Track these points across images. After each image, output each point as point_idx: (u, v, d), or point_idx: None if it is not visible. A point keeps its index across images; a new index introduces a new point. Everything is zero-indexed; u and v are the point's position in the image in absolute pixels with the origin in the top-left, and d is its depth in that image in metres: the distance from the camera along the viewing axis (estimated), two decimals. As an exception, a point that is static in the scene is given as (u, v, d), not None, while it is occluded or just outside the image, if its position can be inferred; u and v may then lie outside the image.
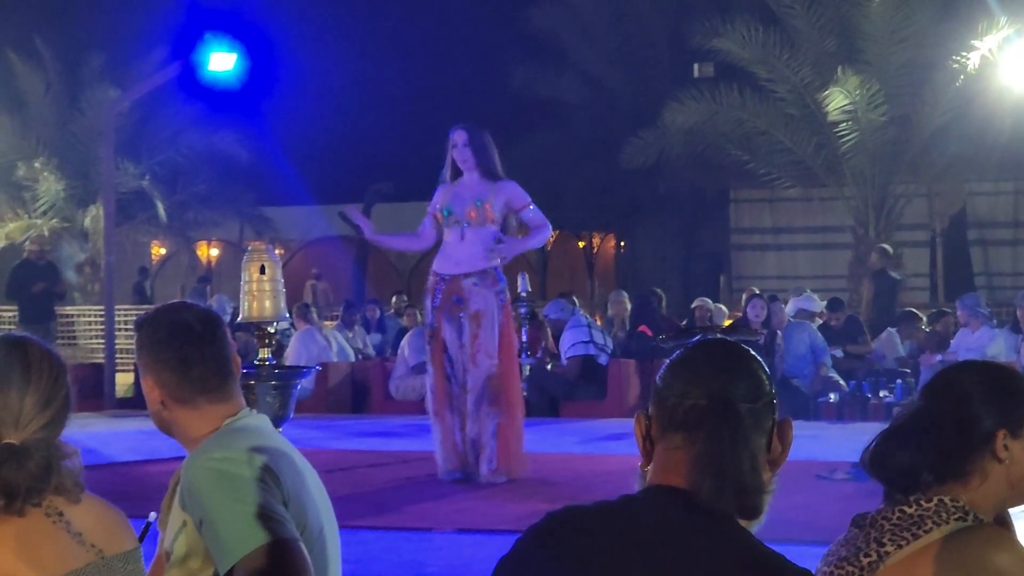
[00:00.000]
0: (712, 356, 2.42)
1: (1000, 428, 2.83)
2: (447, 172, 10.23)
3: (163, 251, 36.56)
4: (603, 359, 16.15)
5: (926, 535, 2.75)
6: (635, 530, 2.27)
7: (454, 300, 10.01)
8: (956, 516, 2.78)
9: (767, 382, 2.42)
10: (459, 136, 10.15)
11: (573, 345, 16.10)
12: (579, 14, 28.97)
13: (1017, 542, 2.77)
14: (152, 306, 4.16)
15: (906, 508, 2.80)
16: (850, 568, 2.78)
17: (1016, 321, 16.21)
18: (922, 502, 2.80)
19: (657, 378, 2.44)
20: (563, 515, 2.33)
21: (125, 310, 23.76)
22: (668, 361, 2.46)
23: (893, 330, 17.51)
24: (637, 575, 2.23)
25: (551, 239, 36.44)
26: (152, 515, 3.21)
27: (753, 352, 2.45)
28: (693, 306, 18.33)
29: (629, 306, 18.06)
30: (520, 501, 8.92)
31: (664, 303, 19.22)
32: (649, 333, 17.26)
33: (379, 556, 7.21)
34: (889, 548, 2.76)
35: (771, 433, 2.39)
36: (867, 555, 2.77)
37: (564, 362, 16.17)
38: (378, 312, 21.87)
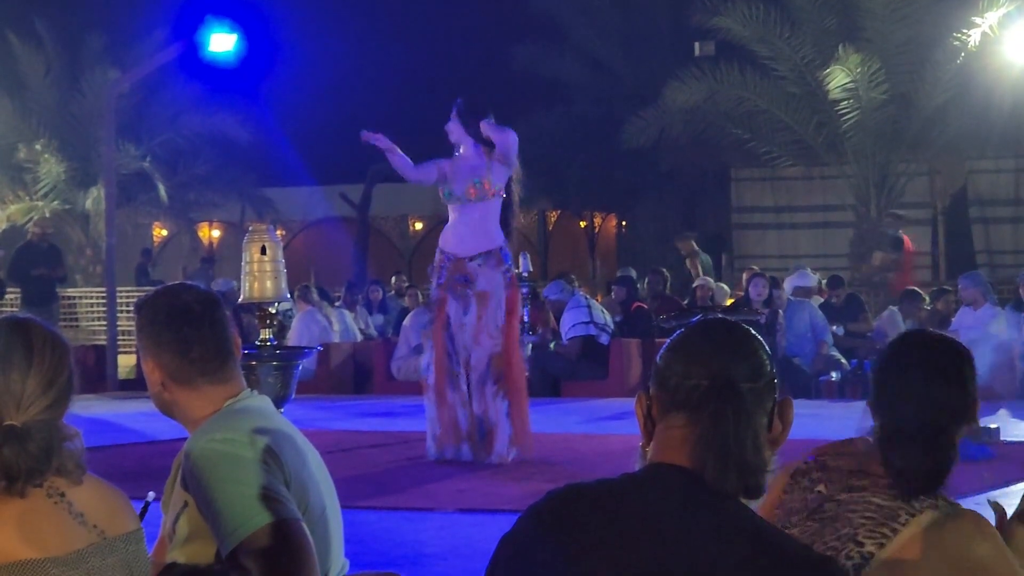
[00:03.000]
0: (714, 337, 2.41)
1: None
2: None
3: (164, 233, 36.53)
4: (604, 339, 16.14)
5: (904, 527, 2.73)
6: (637, 508, 2.27)
7: (460, 279, 10.00)
8: (927, 504, 2.76)
9: (768, 362, 2.42)
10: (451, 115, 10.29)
11: (574, 326, 16.09)
12: (580, -7, 28.89)
13: (995, 530, 2.77)
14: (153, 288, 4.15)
15: (874, 499, 2.78)
16: None
17: (1019, 299, 16.19)
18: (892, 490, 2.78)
19: (658, 358, 2.44)
20: (564, 494, 2.33)
21: (127, 292, 23.74)
22: (669, 341, 2.46)
23: (895, 308, 17.51)
24: (639, 553, 2.23)
25: (552, 217, 36.60)
26: (151, 495, 3.22)
27: (754, 332, 2.45)
28: (694, 285, 18.32)
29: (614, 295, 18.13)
30: (521, 481, 8.94)
31: (669, 283, 19.20)
32: (645, 307, 17.31)
33: (381, 536, 7.22)
34: (871, 548, 2.73)
35: (772, 412, 2.39)
36: (849, 557, 2.74)
37: (565, 342, 16.17)
38: (380, 293, 21.88)
